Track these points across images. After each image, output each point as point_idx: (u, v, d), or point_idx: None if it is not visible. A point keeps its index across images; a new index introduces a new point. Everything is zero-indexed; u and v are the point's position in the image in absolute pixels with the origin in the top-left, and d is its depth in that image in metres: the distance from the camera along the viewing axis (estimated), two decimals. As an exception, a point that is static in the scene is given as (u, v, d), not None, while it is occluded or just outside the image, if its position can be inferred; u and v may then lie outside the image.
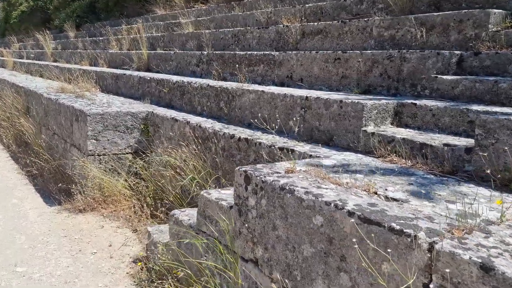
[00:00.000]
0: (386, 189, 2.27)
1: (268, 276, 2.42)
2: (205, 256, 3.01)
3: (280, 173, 2.56)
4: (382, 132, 3.16)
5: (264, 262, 2.44)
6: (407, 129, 3.32)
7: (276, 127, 4.18)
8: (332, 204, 2.00)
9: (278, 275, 2.34)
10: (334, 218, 1.99)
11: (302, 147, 3.47)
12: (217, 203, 2.87)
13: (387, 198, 2.13)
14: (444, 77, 3.58)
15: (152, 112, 5.54)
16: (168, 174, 4.65)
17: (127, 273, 3.71)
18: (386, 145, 3.06)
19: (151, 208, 4.75)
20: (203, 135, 4.46)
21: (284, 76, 5.26)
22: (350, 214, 1.91)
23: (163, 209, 4.56)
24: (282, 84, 5.26)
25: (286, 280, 2.28)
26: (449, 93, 3.53)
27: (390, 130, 3.26)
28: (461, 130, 3.05)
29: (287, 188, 2.28)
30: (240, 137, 3.95)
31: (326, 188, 2.24)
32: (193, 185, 3.98)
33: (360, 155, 3.15)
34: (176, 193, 4.49)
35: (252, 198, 2.53)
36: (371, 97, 3.76)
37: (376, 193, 2.20)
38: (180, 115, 5.20)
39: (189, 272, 3.07)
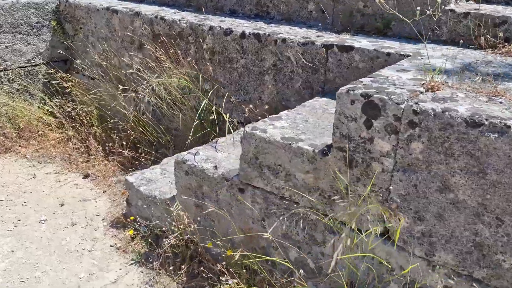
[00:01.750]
0: None
1: (424, 258, 1.54)
2: (262, 224, 2.01)
3: (419, 91, 1.54)
4: (480, 11, 2.22)
5: (414, 238, 1.54)
6: (492, 5, 2.42)
7: (283, 14, 2.99)
8: None
9: (451, 258, 1.47)
10: None
11: (356, 41, 2.41)
12: (288, 146, 1.79)
13: None
14: None
15: (67, 1, 3.82)
16: (121, 95, 3.27)
17: (111, 246, 2.56)
18: (493, 30, 2.15)
19: (106, 143, 3.41)
20: (169, 32, 3.09)
21: None
22: None
23: (124, 143, 3.28)
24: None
25: (477, 267, 1.43)
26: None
27: (482, 7, 2.33)
28: None
29: (486, 123, 1.30)
30: (244, 32, 2.71)
31: (547, 117, 1.31)
32: (202, 106, 2.75)
33: (454, 48, 2.22)
34: (143, 121, 3.19)
35: (383, 140, 1.51)
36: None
37: None
38: (115, 3, 3.63)
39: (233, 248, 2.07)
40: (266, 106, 2.59)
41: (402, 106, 1.45)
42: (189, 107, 3.06)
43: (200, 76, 2.93)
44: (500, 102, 1.45)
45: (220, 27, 2.82)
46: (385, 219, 1.60)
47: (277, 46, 2.58)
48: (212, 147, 2.40)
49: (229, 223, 2.16)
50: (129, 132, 3.26)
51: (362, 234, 1.66)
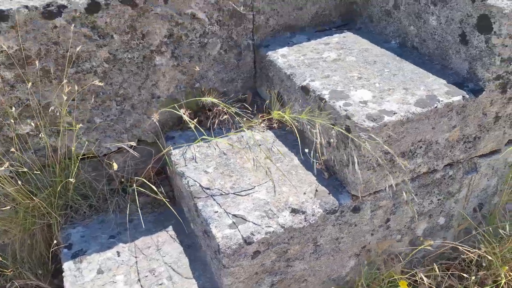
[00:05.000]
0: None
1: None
2: (386, 225, 1.50)
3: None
4: None
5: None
6: None
7: None
8: None
9: None
10: None
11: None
12: (434, 111, 1.32)
13: None
14: None
15: None
16: None
17: None
18: None
19: None
20: None
21: None
22: None
23: None
24: None
25: None
26: None
27: None
28: None
29: None
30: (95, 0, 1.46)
31: None
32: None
33: None
34: None
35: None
36: None
37: None
38: None
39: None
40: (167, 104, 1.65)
41: None
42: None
43: None
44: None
45: (20, 2, 1.38)
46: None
47: (168, 4, 1.56)
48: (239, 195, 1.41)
49: (332, 263, 1.50)
50: None
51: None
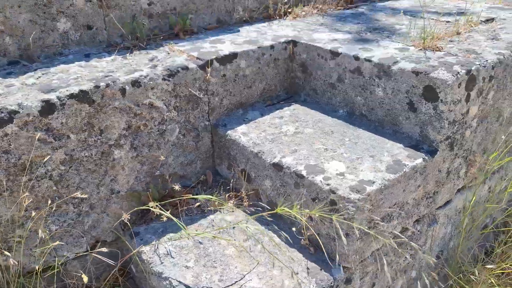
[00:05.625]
0: None
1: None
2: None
3: (462, 53, 1.65)
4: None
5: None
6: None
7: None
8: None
9: (496, 162, 1.89)
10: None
11: (208, 45, 1.81)
12: (404, 174, 1.42)
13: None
14: None
15: None
16: None
17: None
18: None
19: None
20: None
21: None
22: None
23: None
24: None
25: None
26: None
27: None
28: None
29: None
30: (51, 101, 1.35)
31: None
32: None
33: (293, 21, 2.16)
34: None
35: (475, 105, 1.58)
36: None
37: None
38: None
39: None
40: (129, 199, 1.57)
41: (485, 67, 1.56)
42: None
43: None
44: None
45: (-33, 116, 1.23)
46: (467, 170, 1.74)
47: (126, 96, 1.50)
48: None
49: None
50: None
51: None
